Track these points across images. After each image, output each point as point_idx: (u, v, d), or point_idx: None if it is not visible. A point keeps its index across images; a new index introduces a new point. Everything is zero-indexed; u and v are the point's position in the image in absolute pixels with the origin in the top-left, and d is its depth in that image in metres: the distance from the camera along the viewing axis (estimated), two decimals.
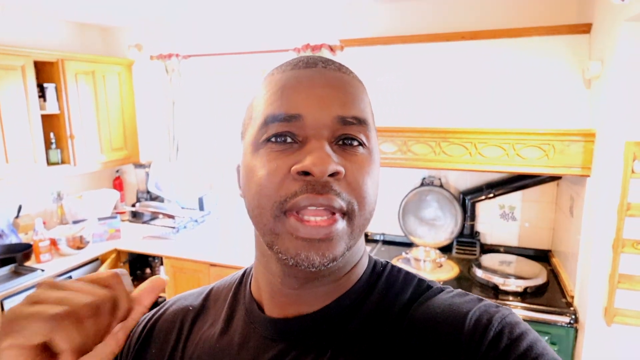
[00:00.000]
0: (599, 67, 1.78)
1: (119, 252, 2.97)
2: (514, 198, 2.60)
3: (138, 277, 3.14)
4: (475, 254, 2.53)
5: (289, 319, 0.50)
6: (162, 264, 2.91)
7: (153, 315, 0.62)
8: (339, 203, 0.42)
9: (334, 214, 0.42)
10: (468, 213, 2.62)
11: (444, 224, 2.68)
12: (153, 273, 3.10)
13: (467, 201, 2.62)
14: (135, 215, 3.40)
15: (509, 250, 2.60)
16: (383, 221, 2.85)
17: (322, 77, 0.46)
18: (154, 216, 3.29)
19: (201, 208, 3.38)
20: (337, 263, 0.44)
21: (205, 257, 2.76)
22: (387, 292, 0.51)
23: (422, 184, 2.71)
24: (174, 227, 3.11)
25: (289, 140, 0.44)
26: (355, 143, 0.45)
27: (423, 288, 0.51)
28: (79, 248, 2.81)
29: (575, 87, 1.97)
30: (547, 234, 2.57)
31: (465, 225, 2.65)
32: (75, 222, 2.97)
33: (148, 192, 3.48)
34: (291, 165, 0.43)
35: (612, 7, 1.67)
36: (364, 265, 0.53)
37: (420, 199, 2.71)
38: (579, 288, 1.96)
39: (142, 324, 0.61)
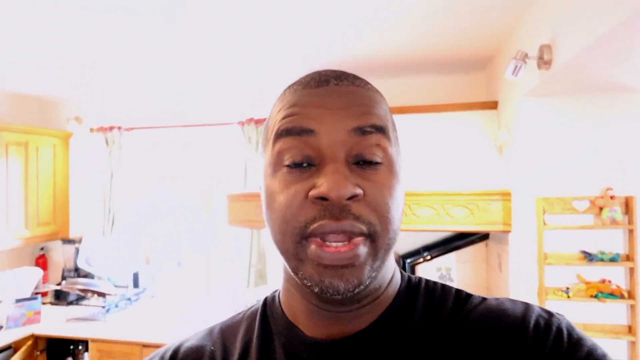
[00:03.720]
0: (507, 135, 2.06)
1: (36, 339, 2.65)
2: (449, 260, 2.74)
3: None
4: None
5: (336, 341, 0.47)
6: (87, 349, 2.62)
7: None
8: (359, 227, 0.41)
9: (354, 237, 0.42)
10: None
11: None
12: None
13: (407, 265, 2.72)
14: (59, 297, 3.10)
15: None
16: None
17: (334, 94, 0.45)
18: (82, 295, 3.02)
19: (136, 285, 3.18)
20: (364, 288, 0.43)
21: (137, 338, 2.54)
22: (429, 303, 0.50)
23: None
24: (104, 307, 2.86)
25: (305, 165, 0.44)
26: (374, 162, 0.44)
27: (464, 297, 0.50)
28: None
29: (491, 153, 2.25)
30: (482, 293, 2.69)
31: None
32: None
33: (76, 269, 3.23)
34: (309, 189, 0.42)
35: (511, 86, 1.99)
36: (397, 280, 0.52)
37: None
38: None
39: None
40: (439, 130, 2.35)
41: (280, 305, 0.53)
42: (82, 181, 3.43)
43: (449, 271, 2.75)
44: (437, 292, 0.51)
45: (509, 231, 2.08)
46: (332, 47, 2.29)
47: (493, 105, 2.31)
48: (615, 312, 1.83)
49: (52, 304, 3.09)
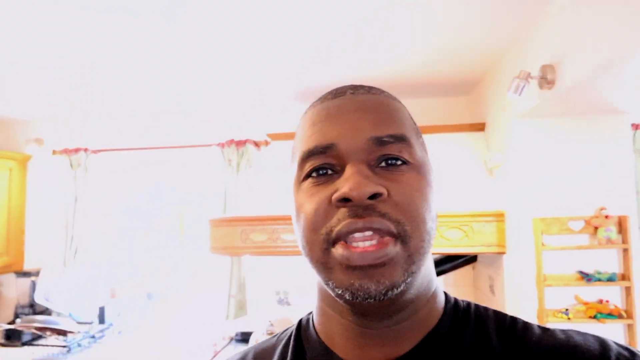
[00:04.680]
0: (499, 157, 2.07)
1: None
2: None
3: None
4: None
5: None
6: None
7: None
8: (386, 224, 0.40)
9: (383, 237, 0.40)
10: None
11: None
12: None
13: None
14: (11, 337, 2.76)
15: None
16: None
17: (350, 103, 0.46)
18: (39, 334, 2.71)
19: (101, 321, 2.90)
20: (399, 294, 0.41)
21: None
22: (481, 330, 0.46)
23: None
24: (64, 346, 2.58)
25: (329, 172, 0.43)
26: (399, 162, 0.43)
27: (521, 325, 0.47)
28: None
29: (480, 175, 2.25)
30: None
31: None
32: None
33: (31, 305, 2.92)
34: (332, 195, 0.41)
35: (503, 108, 2.01)
36: (441, 299, 0.49)
37: None
38: None
39: None
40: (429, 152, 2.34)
41: (315, 328, 0.50)
42: (41, 208, 3.14)
43: None
44: (490, 318, 0.47)
45: (503, 253, 2.07)
46: (316, 70, 2.25)
47: (480, 127, 2.34)
48: (613, 332, 1.83)
49: (2, 345, 2.75)
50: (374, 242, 0.39)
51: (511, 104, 1.89)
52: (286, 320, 2.82)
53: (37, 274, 2.95)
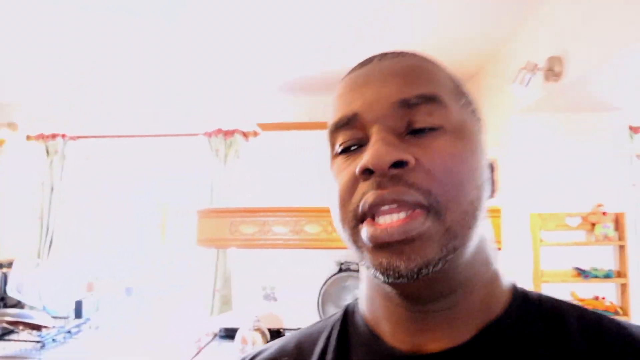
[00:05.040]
0: (497, 152, 2.04)
1: None
2: None
3: None
4: None
5: (425, 356, 0.39)
6: None
7: None
8: (413, 196, 0.36)
9: (413, 210, 0.36)
10: None
11: None
12: None
13: None
14: None
15: None
16: (300, 313, 2.64)
17: (377, 69, 0.42)
18: (10, 329, 2.56)
19: (78, 315, 2.76)
20: (438, 273, 0.36)
21: None
22: (558, 322, 0.40)
23: (340, 270, 2.64)
24: (38, 342, 2.44)
25: (356, 147, 0.41)
26: (428, 126, 0.38)
27: (607, 321, 0.41)
28: None
29: None
30: None
31: None
32: None
33: (2, 298, 2.76)
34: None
35: (502, 102, 1.98)
36: (505, 283, 0.43)
37: (340, 286, 2.61)
38: None
39: None
40: None
41: (361, 313, 0.47)
42: (14, 196, 2.98)
43: None
44: (569, 312, 0.41)
45: (498, 248, 2.04)
46: (306, 62, 2.19)
47: None
48: None
49: None
50: (401, 215, 0.36)
51: (512, 98, 1.85)
52: (272, 316, 2.75)
53: (9, 265, 2.80)
